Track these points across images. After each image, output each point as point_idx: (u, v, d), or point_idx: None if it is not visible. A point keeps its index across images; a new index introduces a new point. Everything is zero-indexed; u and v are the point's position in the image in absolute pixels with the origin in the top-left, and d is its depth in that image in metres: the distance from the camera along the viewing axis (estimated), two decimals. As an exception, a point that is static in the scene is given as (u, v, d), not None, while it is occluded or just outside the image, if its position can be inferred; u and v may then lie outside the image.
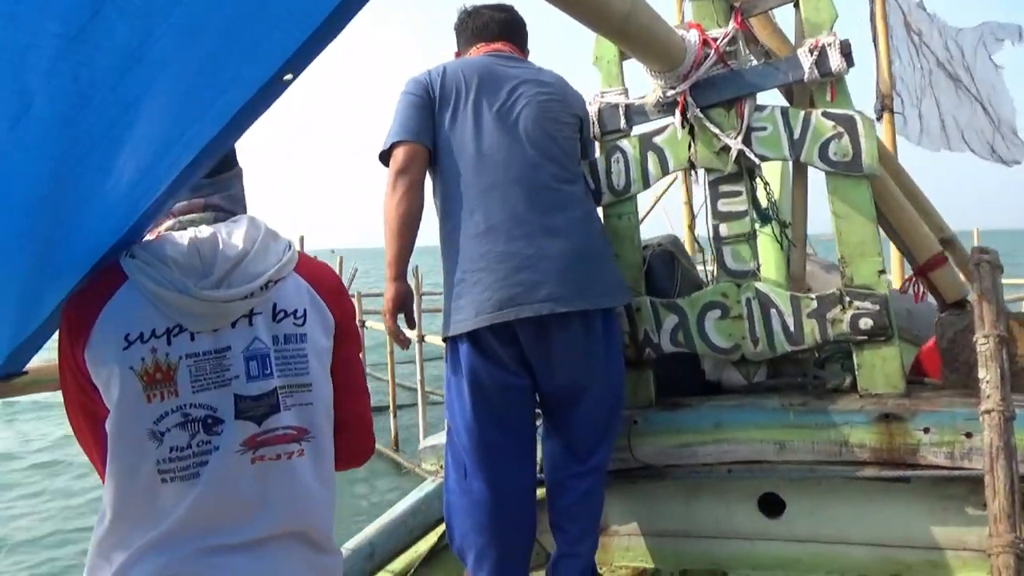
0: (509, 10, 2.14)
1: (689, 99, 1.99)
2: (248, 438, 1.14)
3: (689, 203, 2.30)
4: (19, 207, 0.97)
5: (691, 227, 2.31)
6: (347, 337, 1.28)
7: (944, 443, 1.78)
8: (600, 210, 2.22)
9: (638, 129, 2.17)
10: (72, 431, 1.24)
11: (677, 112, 2.03)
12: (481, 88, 1.95)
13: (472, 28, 2.14)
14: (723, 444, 2.04)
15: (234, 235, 1.16)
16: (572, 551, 1.95)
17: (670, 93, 2.01)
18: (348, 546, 2.06)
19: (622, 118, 2.15)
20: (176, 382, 1.11)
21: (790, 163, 2.19)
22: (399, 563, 2.21)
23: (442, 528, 2.34)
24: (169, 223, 1.20)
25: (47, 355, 1.49)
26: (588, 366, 1.89)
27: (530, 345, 1.83)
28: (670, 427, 2.11)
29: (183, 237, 1.15)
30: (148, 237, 1.19)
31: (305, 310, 1.22)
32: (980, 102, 4.61)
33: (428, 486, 2.43)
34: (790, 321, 2.00)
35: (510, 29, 2.12)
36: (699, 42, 1.94)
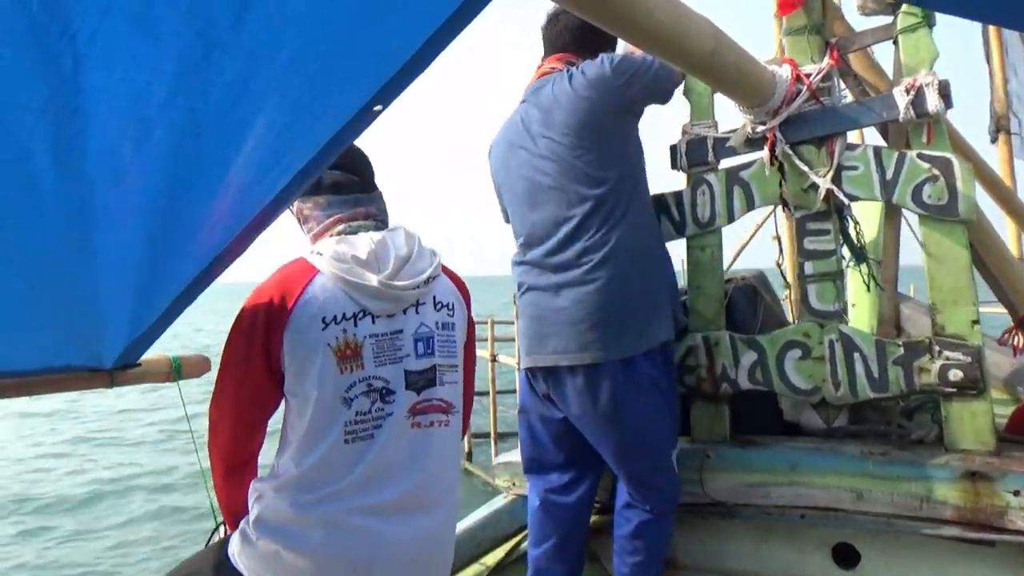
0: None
1: (778, 135, 1.98)
2: (412, 405, 1.36)
3: (778, 239, 2.27)
4: (138, 218, 1.10)
5: (779, 263, 2.27)
6: (472, 329, 1.56)
7: None
8: (683, 241, 2.23)
9: (726, 163, 2.17)
10: (218, 402, 1.40)
11: (766, 148, 2.01)
12: (512, 143, 2.03)
13: (545, 38, 2.10)
14: (798, 487, 1.99)
15: (396, 240, 1.40)
16: None
17: (759, 129, 2.00)
18: None
19: (710, 151, 2.15)
20: (362, 357, 1.33)
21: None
22: (467, 574, 2.27)
23: (510, 544, 2.39)
24: (340, 227, 1.43)
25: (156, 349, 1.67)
26: (605, 416, 1.89)
27: (551, 389, 1.97)
28: (743, 465, 2.07)
29: (361, 239, 1.39)
30: (326, 238, 1.41)
31: (454, 304, 1.46)
32: None
33: (498, 501, 2.48)
34: (874, 367, 1.93)
35: (575, 36, 2.02)
36: (791, 78, 1.93)
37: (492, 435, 11.48)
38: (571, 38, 2.01)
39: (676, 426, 2.02)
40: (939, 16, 1.93)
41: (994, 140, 3.80)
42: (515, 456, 2.39)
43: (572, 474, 2.06)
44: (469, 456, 11.92)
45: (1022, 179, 4.00)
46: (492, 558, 2.36)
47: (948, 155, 1.85)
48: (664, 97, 1.95)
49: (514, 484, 2.43)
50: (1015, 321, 2.00)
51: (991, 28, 3.87)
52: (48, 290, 1.20)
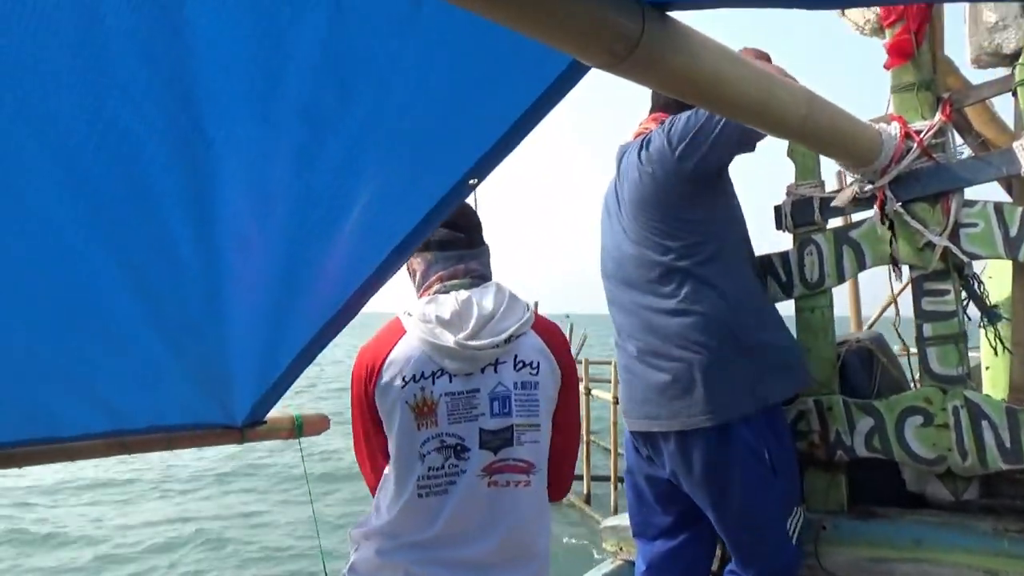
0: None
1: (888, 194, 1.92)
2: (487, 465, 1.40)
3: (894, 300, 2.17)
4: (263, 285, 1.23)
5: (895, 325, 2.16)
6: (570, 388, 1.52)
7: None
8: (792, 303, 2.18)
9: (834, 222, 2.12)
10: (355, 452, 1.55)
11: (875, 207, 1.96)
12: (607, 205, 2.08)
13: (651, 94, 2.04)
14: (923, 564, 1.85)
15: (485, 298, 1.45)
16: None
17: (867, 188, 1.95)
18: None
19: (816, 211, 2.11)
20: (437, 414, 1.40)
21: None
22: None
23: None
24: (437, 287, 1.50)
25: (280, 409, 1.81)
26: (701, 485, 1.83)
27: (651, 452, 1.95)
28: (863, 538, 1.96)
29: (448, 299, 1.45)
30: (424, 297, 1.49)
31: (539, 363, 1.46)
32: None
33: (606, 566, 2.44)
34: (1005, 436, 1.79)
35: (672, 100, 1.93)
36: (900, 135, 1.88)
37: (612, 479, 11.20)
38: (672, 98, 1.89)
39: (789, 497, 1.92)
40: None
41: None
42: (622, 520, 2.36)
43: (680, 539, 2.01)
44: (588, 499, 11.68)
45: None
46: None
47: (1078, 210, 1.73)
48: (746, 145, 1.79)
49: (621, 549, 2.39)
50: None
51: None
52: (189, 353, 1.35)
